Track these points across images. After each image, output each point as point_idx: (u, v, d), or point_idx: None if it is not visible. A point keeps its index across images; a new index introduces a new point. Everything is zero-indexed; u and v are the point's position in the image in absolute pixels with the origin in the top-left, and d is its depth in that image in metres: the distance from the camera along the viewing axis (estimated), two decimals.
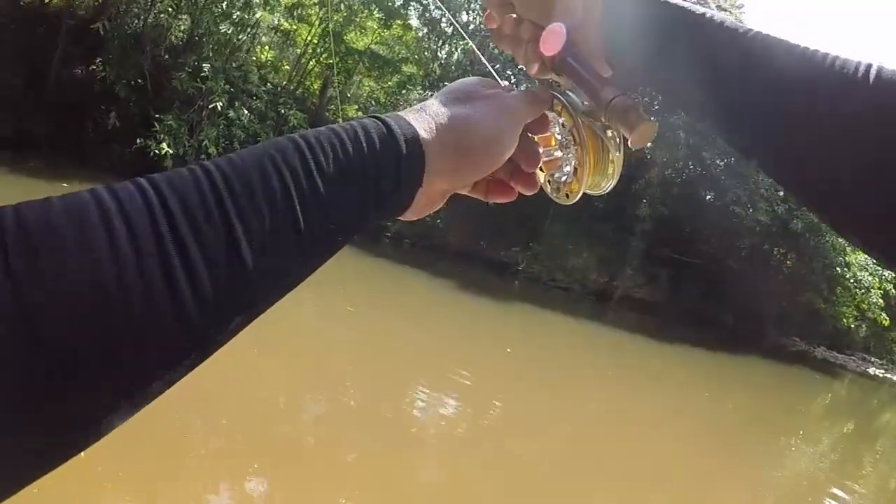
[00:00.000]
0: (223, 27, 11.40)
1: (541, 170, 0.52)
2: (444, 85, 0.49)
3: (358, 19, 14.06)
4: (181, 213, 0.30)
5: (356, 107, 14.94)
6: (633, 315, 13.46)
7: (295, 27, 14.33)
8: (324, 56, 14.01)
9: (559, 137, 0.52)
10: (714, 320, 14.70)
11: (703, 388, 9.28)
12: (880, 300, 15.93)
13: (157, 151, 10.49)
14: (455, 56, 15.41)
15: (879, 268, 14.60)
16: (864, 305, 15.92)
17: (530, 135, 0.49)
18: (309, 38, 14.27)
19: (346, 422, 4.34)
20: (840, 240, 13.26)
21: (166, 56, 11.79)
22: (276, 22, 13.17)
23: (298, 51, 14.79)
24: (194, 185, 0.31)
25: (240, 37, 12.08)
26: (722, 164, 14.20)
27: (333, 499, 3.27)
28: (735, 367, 12.07)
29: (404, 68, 15.35)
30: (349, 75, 15.11)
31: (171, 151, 10.56)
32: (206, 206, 0.31)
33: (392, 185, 0.39)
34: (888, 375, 18.22)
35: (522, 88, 0.50)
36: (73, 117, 10.91)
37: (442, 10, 12.73)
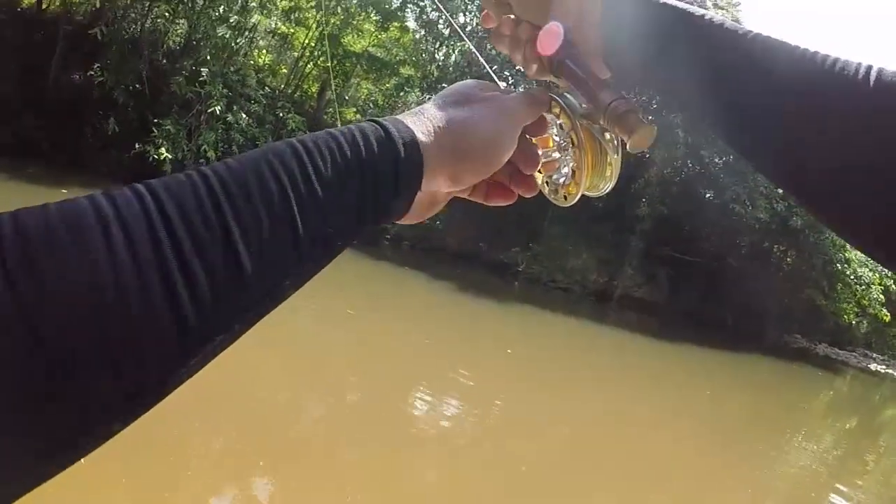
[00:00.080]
0: (220, 31, 11.39)
1: (539, 171, 0.52)
2: (442, 87, 0.49)
3: (355, 22, 14.08)
4: (178, 219, 0.30)
5: (354, 109, 14.95)
6: (634, 315, 13.46)
7: (292, 30, 14.35)
8: (321, 59, 14.01)
9: (557, 139, 0.52)
10: (714, 318, 14.67)
11: (704, 386, 9.27)
12: (881, 296, 15.93)
13: (155, 156, 10.49)
14: (453, 58, 15.39)
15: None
16: (864, 301, 15.92)
17: (529, 136, 0.49)
18: (306, 41, 14.28)
19: (347, 423, 4.34)
20: None
21: (164, 61, 11.79)
22: (273, 25, 13.19)
23: (296, 54, 14.80)
24: (191, 190, 0.31)
25: (237, 41, 12.07)
26: (721, 162, 14.18)
27: (334, 499, 3.27)
28: (736, 365, 12.06)
29: (402, 70, 15.35)
30: (347, 78, 15.13)
31: (169, 156, 10.57)
32: (204, 211, 0.31)
33: (390, 188, 0.39)
34: (890, 371, 18.22)
35: (521, 90, 0.49)
36: (71, 123, 10.89)
37: (439, 12, 12.72)
